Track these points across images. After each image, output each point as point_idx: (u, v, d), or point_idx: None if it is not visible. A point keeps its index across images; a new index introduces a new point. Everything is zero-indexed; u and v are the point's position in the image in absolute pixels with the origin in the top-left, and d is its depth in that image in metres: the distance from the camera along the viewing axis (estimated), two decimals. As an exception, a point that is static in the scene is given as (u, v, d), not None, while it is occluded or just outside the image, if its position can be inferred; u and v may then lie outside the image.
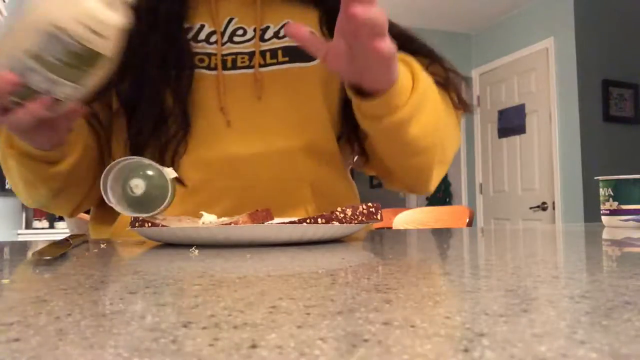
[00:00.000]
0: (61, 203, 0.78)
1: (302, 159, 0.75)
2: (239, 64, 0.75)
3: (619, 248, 0.47)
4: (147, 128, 0.72)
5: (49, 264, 0.36)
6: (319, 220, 0.51)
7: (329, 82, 0.78)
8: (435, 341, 0.15)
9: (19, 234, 3.37)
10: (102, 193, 0.52)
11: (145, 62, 0.73)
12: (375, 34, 0.51)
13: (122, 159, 0.52)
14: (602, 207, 0.87)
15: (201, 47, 0.76)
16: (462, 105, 0.78)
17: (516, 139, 4.01)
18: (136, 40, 0.74)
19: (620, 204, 0.83)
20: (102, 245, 0.53)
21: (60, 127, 0.57)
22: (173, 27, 0.75)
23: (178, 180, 0.71)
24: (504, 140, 4.13)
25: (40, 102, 0.49)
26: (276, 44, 0.76)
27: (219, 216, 0.59)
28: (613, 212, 0.84)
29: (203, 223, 0.55)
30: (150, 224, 0.53)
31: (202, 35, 0.76)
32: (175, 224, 0.53)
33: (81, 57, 0.46)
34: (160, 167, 0.52)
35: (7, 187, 2.91)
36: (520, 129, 3.97)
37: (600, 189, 0.88)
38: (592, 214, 3.36)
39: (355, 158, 0.87)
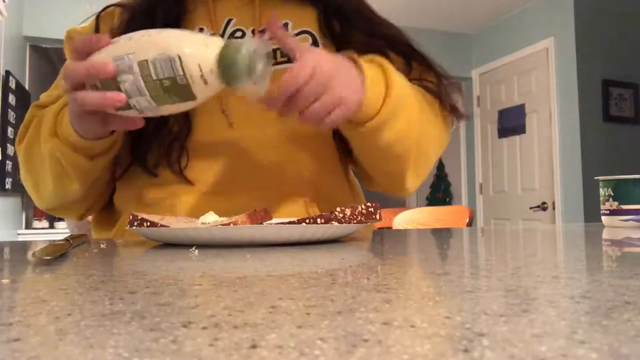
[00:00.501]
0: (78, 205, 0.78)
1: (304, 158, 0.75)
2: None
3: (619, 248, 0.47)
4: (149, 130, 0.72)
5: (49, 264, 0.36)
6: (319, 220, 0.51)
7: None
8: (435, 341, 0.15)
9: (19, 234, 3.37)
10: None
11: None
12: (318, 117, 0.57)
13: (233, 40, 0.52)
14: (602, 207, 0.87)
15: None
16: (452, 112, 0.79)
17: (516, 139, 4.01)
18: None
19: (620, 204, 0.83)
20: (102, 245, 0.53)
21: (111, 123, 0.59)
22: (173, 29, 0.75)
23: (186, 178, 0.71)
24: (504, 140, 4.13)
25: (117, 95, 0.51)
26: (275, 44, 0.76)
27: (224, 215, 0.59)
28: (613, 212, 0.84)
29: (202, 223, 0.56)
30: (149, 224, 0.53)
31: None
32: (175, 224, 0.53)
33: (176, 87, 0.50)
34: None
35: (7, 187, 2.92)
36: (520, 129, 3.97)
37: (600, 189, 0.88)
38: (592, 214, 3.36)
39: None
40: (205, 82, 0.50)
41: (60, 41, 2.23)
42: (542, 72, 3.76)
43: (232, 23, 0.78)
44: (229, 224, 0.51)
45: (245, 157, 0.73)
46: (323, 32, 0.78)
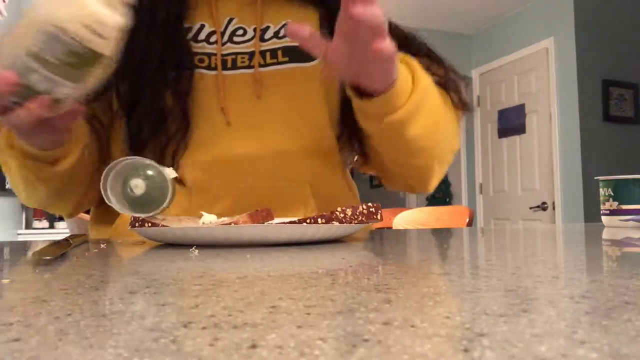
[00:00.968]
0: (61, 203, 0.78)
1: (302, 158, 0.75)
2: (239, 64, 0.75)
3: (619, 248, 0.47)
4: (147, 128, 0.72)
5: (49, 264, 0.36)
6: (319, 220, 0.51)
7: (329, 82, 0.78)
8: (435, 341, 0.15)
9: (19, 234, 3.37)
10: (102, 192, 0.52)
11: (144, 63, 0.73)
12: (375, 34, 0.51)
13: (123, 158, 0.52)
14: (602, 207, 0.87)
15: (201, 47, 0.76)
16: (461, 105, 0.78)
17: (516, 139, 4.01)
18: (135, 40, 0.74)
19: (620, 204, 0.83)
20: (102, 245, 0.53)
21: (59, 127, 0.57)
22: (172, 27, 0.75)
23: (178, 180, 0.71)
24: (504, 140, 4.13)
25: (40, 101, 0.49)
26: (276, 44, 0.76)
27: (219, 216, 0.59)
28: (613, 212, 0.84)
29: (203, 223, 0.56)
30: (150, 224, 0.53)
31: (202, 35, 0.76)
32: (175, 224, 0.53)
33: (81, 57, 0.47)
34: (161, 167, 0.52)
35: (7, 187, 2.91)
36: (520, 129, 3.97)
37: (600, 189, 0.88)
38: (592, 214, 3.36)
39: (356, 158, 0.87)
40: (101, 35, 0.46)
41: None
42: (542, 72, 3.76)
43: (233, 22, 0.78)
44: (229, 224, 0.51)
45: (242, 156, 0.73)
46: (325, 34, 0.78)
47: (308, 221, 0.51)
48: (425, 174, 0.75)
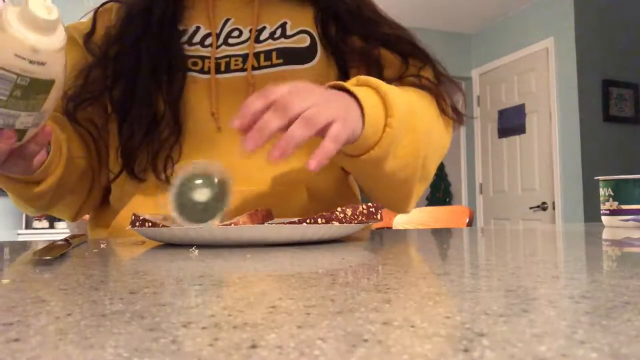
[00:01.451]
0: (60, 211, 0.78)
1: (297, 161, 0.74)
2: (232, 67, 0.74)
3: (619, 248, 0.47)
4: (139, 133, 0.71)
5: (49, 264, 0.36)
6: (319, 220, 0.51)
7: (323, 84, 0.77)
8: (435, 341, 0.15)
9: (19, 234, 3.37)
10: (169, 208, 0.51)
11: (137, 67, 0.72)
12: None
13: (196, 162, 0.52)
14: (602, 207, 0.87)
15: (195, 50, 0.75)
16: (454, 114, 0.76)
17: (516, 139, 4.01)
18: (129, 44, 0.74)
19: (620, 204, 0.83)
20: (102, 245, 0.53)
21: (31, 152, 0.56)
22: (166, 30, 0.75)
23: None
24: (504, 140, 4.13)
25: (4, 137, 0.49)
26: (271, 45, 0.76)
27: None
28: (613, 212, 0.84)
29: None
30: (150, 224, 0.53)
31: (197, 38, 0.76)
32: (175, 224, 0.53)
33: (29, 88, 0.46)
34: (228, 183, 0.52)
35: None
36: (520, 129, 3.97)
37: (600, 189, 0.88)
38: (592, 214, 3.36)
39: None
40: (39, 63, 0.45)
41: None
42: (542, 72, 3.76)
43: (229, 23, 0.77)
44: (229, 224, 0.51)
45: (234, 162, 0.73)
46: (319, 32, 0.78)
47: (308, 221, 0.51)
48: (403, 201, 0.75)
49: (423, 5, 3.89)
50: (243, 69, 0.74)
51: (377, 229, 1.03)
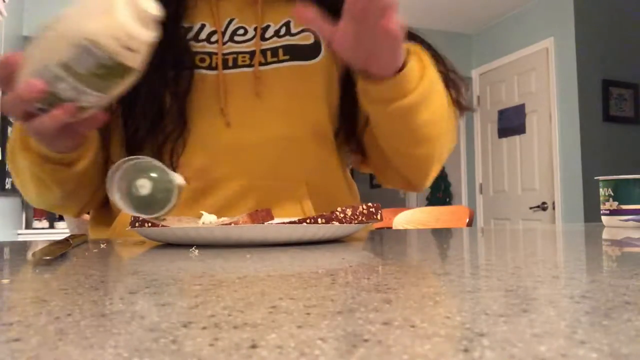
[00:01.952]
0: (70, 204, 0.78)
1: (300, 157, 0.75)
2: (239, 62, 0.75)
3: (619, 248, 0.47)
4: (144, 127, 0.72)
5: (49, 264, 0.36)
6: (319, 220, 0.51)
7: (330, 79, 0.78)
8: (435, 341, 0.15)
9: (19, 234, 3.37)
10: (107, 187, 0.52)
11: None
12: (384, 14, 0.51)
13: (132, 157, 0.52)
14: (602, 207, 0.87)
15: (202, 47, 0.75)
16: (460, 104, 0.78)
17: (516, 139, 4.01)
18: None
19: (620, 204, 0.83)
20: (102, 245, 0.53)
21: (80, 132, 0.58)
22: (171, 26, 0.75)
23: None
24: (504, 140, 4.13)
25: (65, 109, 0.49)
26: (277, 42, 0.76)
27: (216, 215, 0.59)
28: (613, 212, 0.84)
29: (203, 223, 0.55)
30: (150, 224, 0.53)
31: (203, 35, 0.76)
32: (176, 224, 0.53)
33: (110, 70, 0.47)
34: (169, 171, 0.52)
35: (7, 187, 2.92)
36: (520, 129, 3.97)
37: (600, 189, 0.88)
38: (592, 214, 3.36)
39: (352, 158, 0.87)
40: (131, 49, 0.47)
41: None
42: (542, 72, 3.76)
43: (234, 22, 0.78)
44: (229, 224, 0.51)
45: (241, 158, 0.73)
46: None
47: (308, 221, 0.51)
48: (425, 167, 0.74)
49: (423, 5, 3.89)
50: (250, 65, 0.75)
51: (377, 229, 1.03)
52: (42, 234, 3.45)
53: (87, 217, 0.86)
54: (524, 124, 3.93)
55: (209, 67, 0.74)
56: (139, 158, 0.52)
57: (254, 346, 0.15)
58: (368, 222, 0.54)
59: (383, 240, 0.57)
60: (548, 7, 3.70)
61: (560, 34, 3.59)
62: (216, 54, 0.75)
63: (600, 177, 0.88)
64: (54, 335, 0.17)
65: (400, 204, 5.26)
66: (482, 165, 4.38)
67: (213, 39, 0.76)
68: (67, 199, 0.74)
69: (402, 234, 0.70)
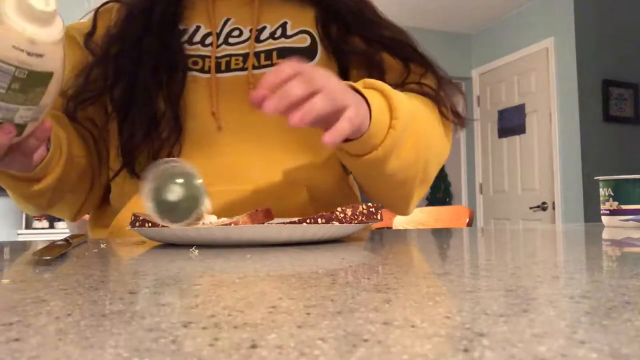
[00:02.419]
0: (60, 210, 0.78)
1: (297, 160, 0.74)
2: (232, 66, 0.74)
3: (619, 248, 0.47)
4: (140, 132, 0.71)
5: (49, 264, 0.36)
6: (319, 220, 0.51)
7: None
8: (435, 341, 0.15)
9: (19, 234, 3.37)
10: (142, 189, 0.51)
11: (138, 65, 0.72)
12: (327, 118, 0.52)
13: (167, 160, 0.52)
14: (602, 207, 0.87)
15: (195, 50, 0.75)
16: (455, 119, 0.76)
17: (516, 139, 4.01)
18: (130, 43, 0.74)
19: (620, 204, 0.83)
20: (102, 245, 0.53)
21: (31, 148, 0.56)
22: (167, 29, 0.75)
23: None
24: (504, 140, 4.13)
25: (3, 131, 0.48)
26: (272, 44, 0.76)
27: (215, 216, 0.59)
28: (613, 212, 0.84)
29: (203, 223, 0.55)
30: (150, 224, 0.53)
31: (198, 37, 0.76)
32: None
33: (27, 81, 0.45)
34: (200, 182, 0.52)
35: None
36: (520, 129, 3.97)
37: (600, 189, 0.88)
38: (592, 214, 3.36)
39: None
40: (38, 54, 0.44)
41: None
42: (542, 72, 3.76)
43: (229, 22, 0.77)
44: (229, 224, 0.51)
45: (234, 161, 0.72)
46: (319, 32, 0.78)
47: (308, 221, 0.51)
48: (403, 202, 0.75)
49: (423, 5, 3.89)
50: (243, 68, 0.74)
51: (377, 229, 1.03)
52: (42, 234, 3.45)
53: (87, 217, 0.86)
54: (524, 124, 3.93)
55: (202, 70, 0.74)
56: (172, 161, 0.52)
57: (254, 346, 0.15)
58: (368, 222, 0.54)
59: (383, 240, 0.57)
60: (548, 7, 3.69)
61: (560, 34, 3.59)
62: (209, 57, 0.74)
63: (600, 177, 0.88)
64: (54, 335, 0.17)
65: (400, 204, 5.24)
66: (482, 165, 4.38)
67: (207, 41, 0.76)
68: (48, 209, 0.74)
69: (402, 234, 0.70)
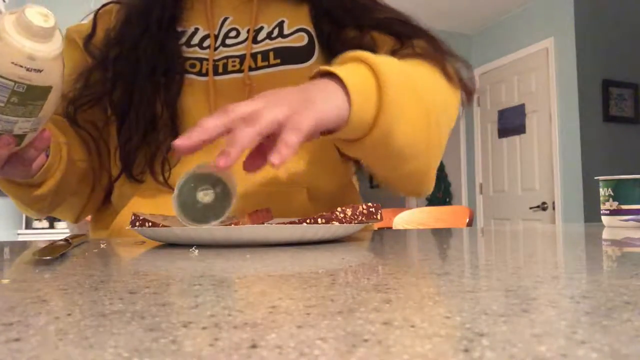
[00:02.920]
0: (62, 213, 0.78)
1: (297, 161, 0.74)
2: (229, 68, 0.74)
3: (619, 248, 0.47)
4: (137, 135, 0.71)
5: (49, 264, 0.36)
6: (319, 220, 0.51)
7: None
8: (435, 341, 0.15)
9: (19, 234, 3.37)
10: (174, 192, 0.51)
11: (136, 68, 0.72)
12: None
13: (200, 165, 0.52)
14: (602, 207, 0.87)
15: (193, 52, 0.75)
16: (460, 84, 0.72)
17: (516, 139, 4.01)
18: (128, 46, 0.74)
19: (620, 204, 0.83)
20: (102, 245, 0.53)
21: (30, 157, 0.56)
22: (164, 31, 0.75)
23: (170, 186, 0.71)
24: (504, 140, 4.13)
25: (2, 142, 0.49)
26: (269, 45, 0.75)
27: None
28: (613, 212, 0.84)
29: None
30: (150, 224, 0.53)
31: (196, 40, 0.76)
32: (177, 224, 0.53)
33: (26, 95, 0.46)
34: (233, 185, 0.52)
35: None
36: (520, 129, 3.97)
37: (600, 189, 0.88)
38: (592, 214, 3.36)
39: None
40: (36, 70, 0.46)
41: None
42: (542, 72, 3.76)
43: (227, 22, 0.77)
44: (230, 224, 0.51)
45: (236, 164, 0.72)
46: (314, 26, 0.77)
47: (308, 221, 0.51)
48: (421, 178, 0.70)
49: (423, 5, 3.89)
50: (240, 70, 0.74)
51: (377, 229, 1.03)
52: (42, 234, 3.45)
53: (89, 218, 0.87)
54: (524, 124, 3.94)
55: (199, 73, 0.74)
56: (200, 167, 0.52)
57: (254, 346, 0.15)
58: (368, 222, 0.54)
59: (383, 240, 0.57)
60: (548, 7, 3.69)
61: (560, 34, 3.59)
62: (207, 59, 0.74)
63: (600, 177, 0.88)
64: (54, 335, 0.17)
65: (400, 204, 5.25)
66: (482, 165, 4.38)
67: (205, 43, 0.75)
68: (49, 212, 0.75)
69: (402, 234, 0.70)
